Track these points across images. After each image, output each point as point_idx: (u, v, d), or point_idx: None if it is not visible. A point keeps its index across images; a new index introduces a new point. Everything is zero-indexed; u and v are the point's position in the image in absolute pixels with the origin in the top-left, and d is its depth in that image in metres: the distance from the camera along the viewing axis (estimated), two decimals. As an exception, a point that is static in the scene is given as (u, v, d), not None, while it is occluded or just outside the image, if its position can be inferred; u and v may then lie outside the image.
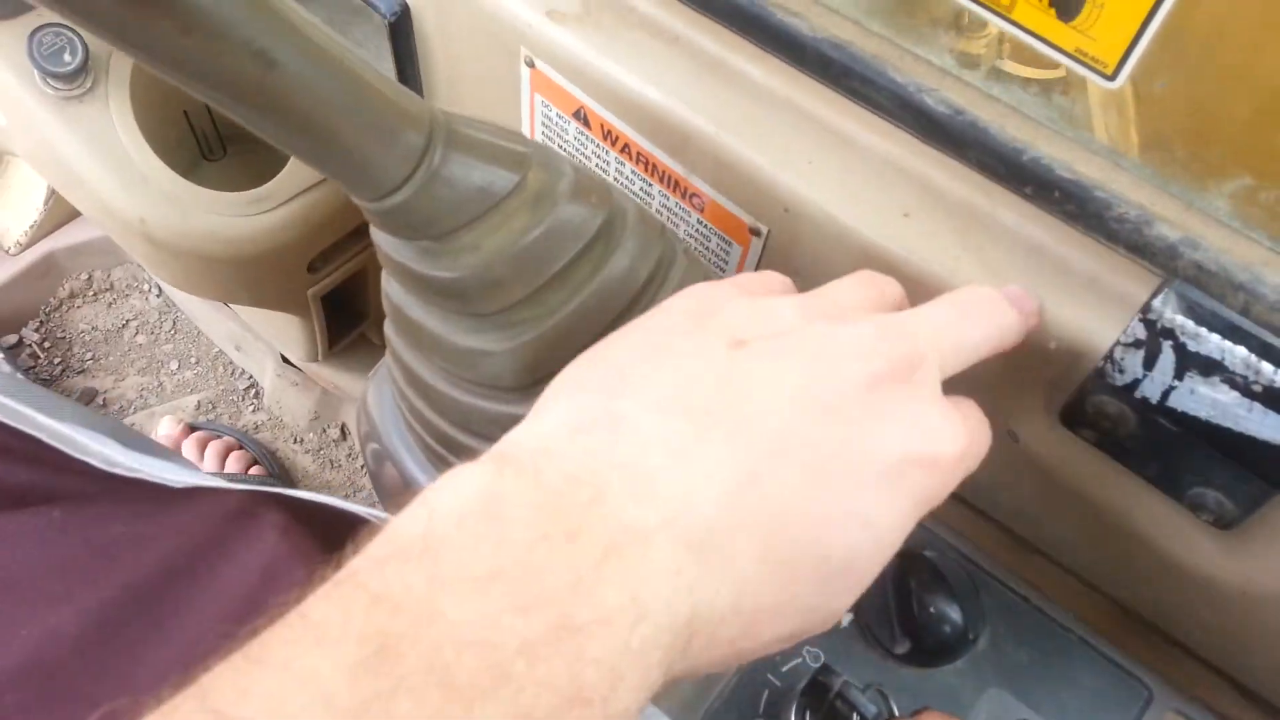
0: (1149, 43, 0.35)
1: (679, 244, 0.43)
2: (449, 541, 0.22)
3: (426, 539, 0.22)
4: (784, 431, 0.27)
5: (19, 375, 1.13)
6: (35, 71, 0.66)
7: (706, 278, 0.43)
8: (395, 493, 0.52)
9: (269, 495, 0.37)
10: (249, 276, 0.75)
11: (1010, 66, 0.42)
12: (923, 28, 0.43)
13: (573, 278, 0.38)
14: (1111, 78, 0.37)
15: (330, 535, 0.35)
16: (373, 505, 1.17)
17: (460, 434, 0.42)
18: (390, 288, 0.41)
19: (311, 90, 0.30)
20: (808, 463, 0.27)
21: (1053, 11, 0.37)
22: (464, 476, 0.25)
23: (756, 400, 0.28)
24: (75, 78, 0.65)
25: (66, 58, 0.64)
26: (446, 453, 0.44)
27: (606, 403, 0.28)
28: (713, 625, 0.25)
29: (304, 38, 0.29)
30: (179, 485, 0.39)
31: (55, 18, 0.66)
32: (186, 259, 0.72)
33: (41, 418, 0.38)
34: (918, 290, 0.44)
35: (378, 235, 0.38)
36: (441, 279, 0.37)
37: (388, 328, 0.43)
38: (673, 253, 0.42)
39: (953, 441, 0.30)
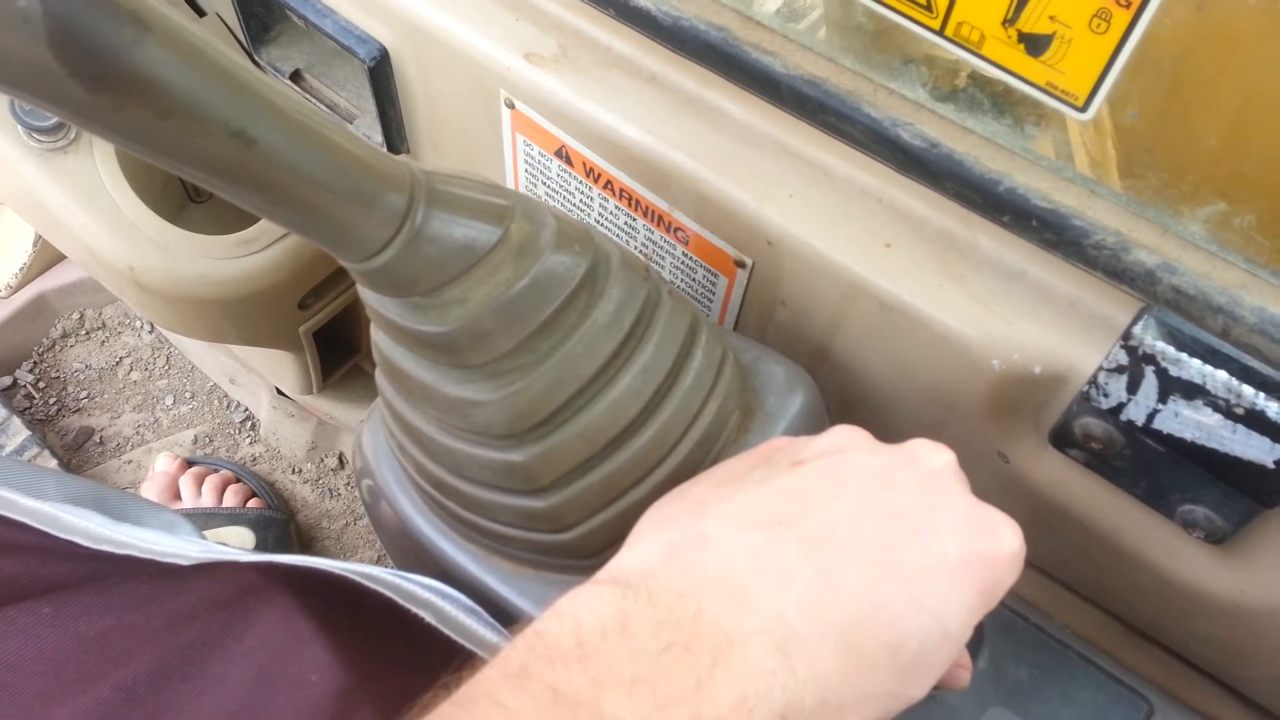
0: (1117, 75, 0.36)
1: (664, 285, 0.43)
2: (599, 651, 0.27)
3: (581, 647, 0.27)
4: (850, 534, 0.31)
5: (22, 429, 1.13)
6: (18, 126, 0.66)
7: (693, 318, 0.44)
8: (390, 530, 0.53)
9: (268, 566, 0.37)
10: (240, 317, 0.75)
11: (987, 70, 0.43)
12: (894, 62, 0.43)
13: (560, 326, 0.38)
14: (1083, 109, 0.37)
15: (334, 604, 0.36)
16: (373, 533, 1.18)
17: (454, 479, 0.42)
18: (380, 339, 0.41)
19: (290, 164, 0.30)
20: (875, 560, 0.30)
21: (1021, 47, 0.37)
22: (594, 597, 0.29)
23: (822, 507, 0.31)
24: (57, 131, 0.66)
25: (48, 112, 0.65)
26: (441, 496, 0.44)
27: (692, 525, 0.32)
28: (805, 716, 0.27)
29: (280, 113, 0.29)
30: (168, 562, 0.38)
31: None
32: (176, 303, 0.72)
33: (21, 499, 0.38)
34: (903, 322, 0.45)
35: (365, 292, 0.38)
36: (430, 333, 0.37)
37: (379, 377, 0.44)
38: (658, 295, 0.42)
39: (1010, 538, 0.33)
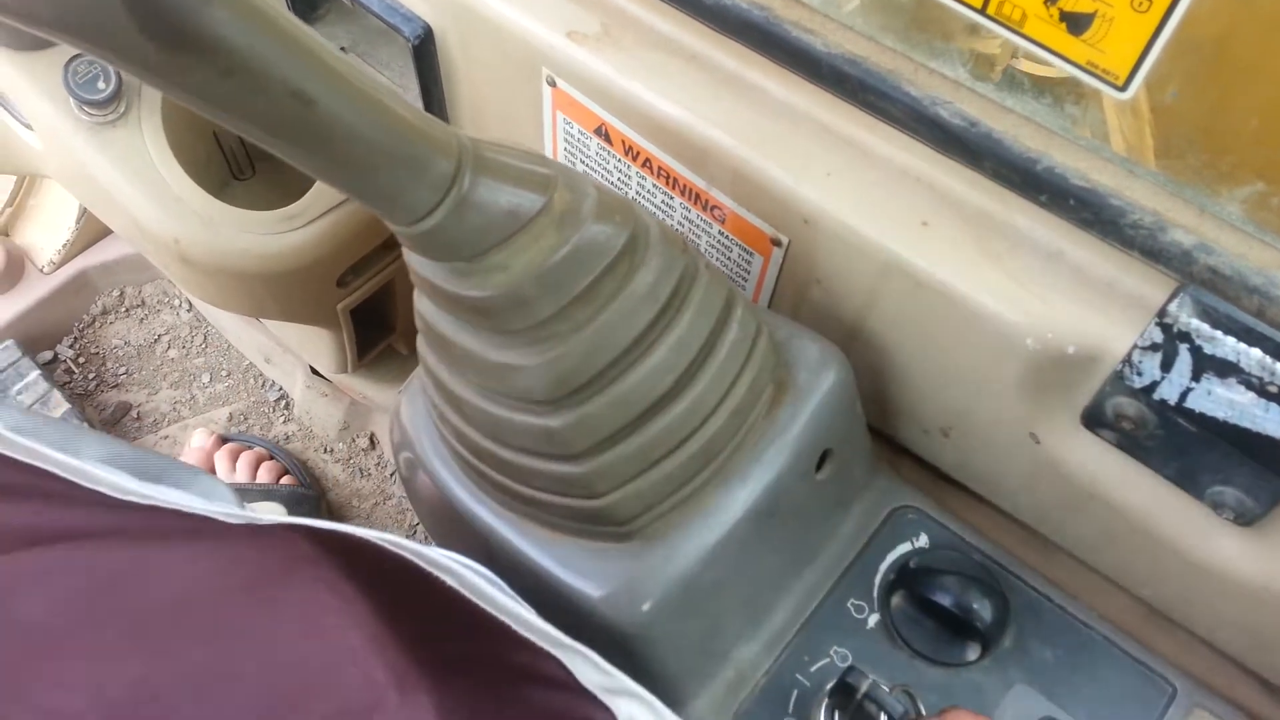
0: (1158, 54, 0.36)
1: (701, 259, 0.44)
2: None
3: None
4: None
5: (62, 402, 1.16)
6: (70, 99, 0.68)
7: (729, 293, 0.44)
8: (428, 500, 0.54)
9: (309, 531, 0.37)
10: (280, 292, 0.76)
11: (1025, 65, 0.43)
12: (935, 40, 0.44)
13: (598, 294, 0.39)
14: (1123, 89, 0.38)
15: (362, 569, 0.36)
16: (403, 512, 1.19)
17: (492, 444, 0.43)
18: (422, 305, 0.42)
19: (346, 125, 0.31)
20: None
21: (1063, 26, 0.37)
22: None
23: None
24: (109, 104, 0.67)
25: (100, 85, 0.66)
26: (479, 462, 0.45)
27: None
28: None
29: (338, 76, 0.30)
30: (196, 512, 0.39)
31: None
32: (219, 277, 0.73)
33: (51, 452, 0.39)
34: (938, 300, 0.45)
35: (410, 256, 0.39)
36: (472, 298, 0.38)
37: (420, 343, 0.45)
38: (695, 268, 0.43)
39: None
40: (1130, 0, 0.35)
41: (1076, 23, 0.37)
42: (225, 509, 0.38)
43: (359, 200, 0.34)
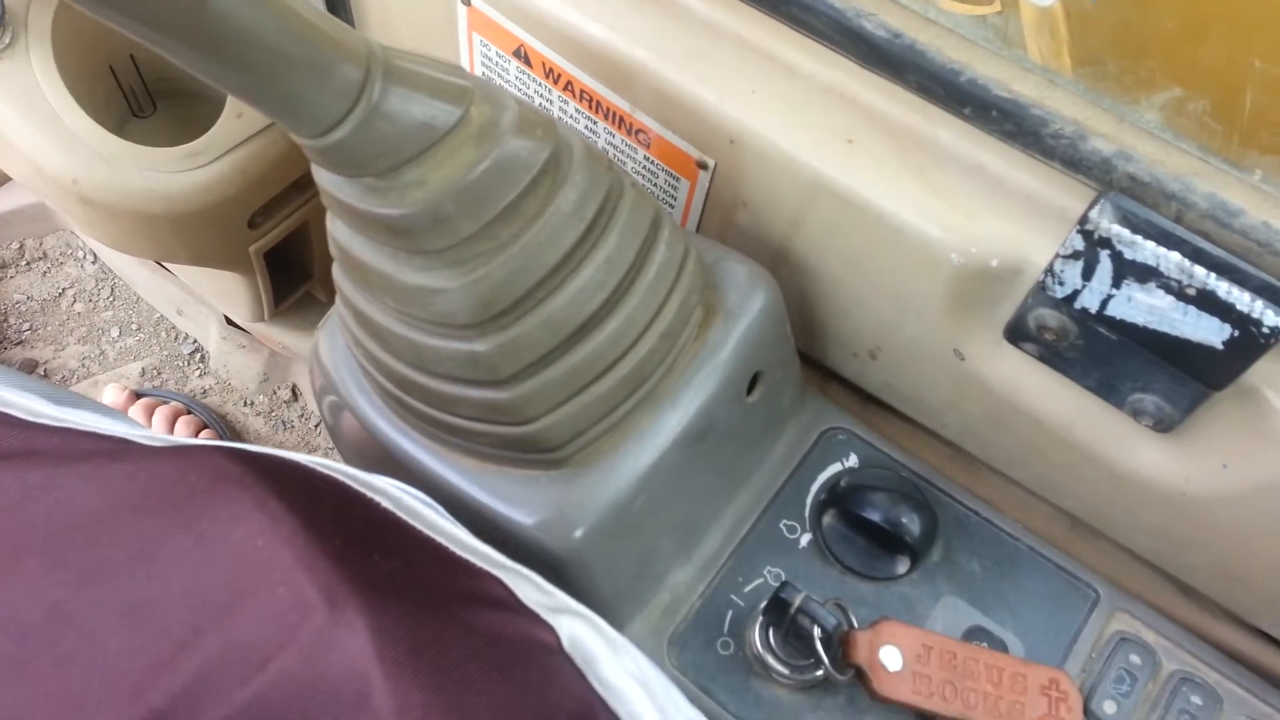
0: (1080, -44, 0.36)
1: (626, 178, 0.43)
2: None
3: None
4: None
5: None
6: (-51, 28, 0.63)
7: (656, 212, 0.43)
8: (353, 440, 0.52)
9: (233, 452, 0.36)
10: (188, 234, 0.73)
11: (945, 4, 0.43)
12: (859, -49, 0.43)
13: (522, 212, 0.38)
14: (1044, -7, 0.37)
15: (292, 489, 0.34)
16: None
17: (416, 374, 0.42)
18: (336, 229, 0.40)
19: (245, 25, 0.29)
20: None
21: (986, -72, 0.37)
22: None
23: None
24: (-7, 33, 0.63)
25: (-19, 12, 0.62)
26: (403, 394, 0.44)
27: None
28: None
29: (234, -30, 0.28)
30: (115, 435, 0.37)
31: (-34, -30, 0.63)
32: (122, 218, 0.70)
33: None
34: (863, 219, 0.45)
35: (320, 174, 0.37)
36: (388, 216, 0.36)
37: (336, 271, 0.43)
38: (620, 186, 0.42)
39: None
40: (1052, -100, 0.35)
41: (999, -75, 0.37)
42: (146, 433, 0.36)
43: (260, 109, 0.33)
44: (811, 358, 0.56)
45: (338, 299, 0.45)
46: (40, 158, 0.67)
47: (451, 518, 0.38)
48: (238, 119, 0.71)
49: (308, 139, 0.34)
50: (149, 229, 0.72)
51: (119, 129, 0.71)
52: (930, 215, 0.43)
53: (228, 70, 0.30)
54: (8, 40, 0.65)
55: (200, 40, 0.29)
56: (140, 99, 0.80)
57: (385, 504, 0.36)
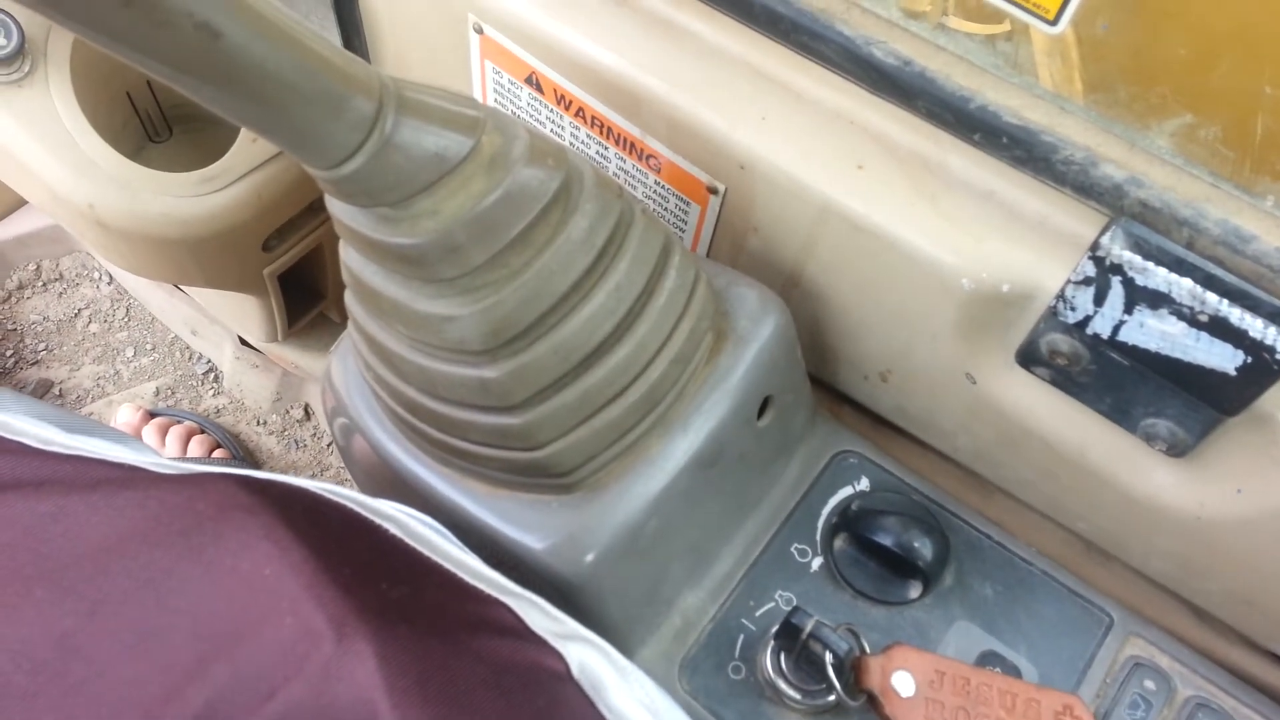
0: (1088, -15, 0.36)
1: (637, 205, 0.43)
2: None
3: None
4: None
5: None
6: (-31, 56, 0.64)
7: (666, 238, 0.44)
8: (364, 463, 0.52)
9: (245, 480, 0.36)
10: (203, 258, 0.74)
11: (955, 23, 0.43)
12: (868, -21, 0.43)
13: (533, 241, 0.38)
14: (1053, 23, 0.38)
15: (301, 517, 0.35)
16: (341, 484, 1.17)
17: (428, 399, 0.42)
18: (349, 257, 0.41)
19: (257, 60, 0.29)
20: None
21: (994, -43, 0.37)
22: None
23: None
24: (12, 61, 0.64)
25: (1, 40, 0.63)
26: (414, 419, 0.44)
27: None
28: None
29: (247, 7, 0.29)
30: (126, 463, 0.37)
31: (-13, -1, 0.64)
32: (138, 243, 0.71)
33: None
34: (874, 244, 0.45)
35: (333, 204, 0.38)
36: (401, 246, 0.36)
37: (348, 298, 0.43)
38: (631, 213, 0.42)
39: None
40: (1060, -70, 0.35)
41: (1007, -46, 0.37)
42: (156, 459, 0.36)
43: (274, 142, 0.33)
44: (823, 381, 0.56)
45: (350, 324, 0.45)
46: (58, 183, 0.68)
47: (460, 543, 0.38)
48: (252, 144, 0.72)
49: (321, 171, 0.34)
50: (165, 253, 0.72)
51: (135, 154, 0.72)
52: (941, 240, 0.43)
53: (241, 104, 0.31)
54: (27, 68, 0.66)
55: (213, 76, 0.29)
56: (156, 124, 0.81)
57: (393, 530, 0.36)
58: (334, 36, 0.61)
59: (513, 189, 0.37)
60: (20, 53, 0.64)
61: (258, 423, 1.18)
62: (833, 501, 0.52)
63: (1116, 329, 0.40)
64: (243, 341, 1.14)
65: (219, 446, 1.11)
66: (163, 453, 1.07)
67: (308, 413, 1.19)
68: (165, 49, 0.28)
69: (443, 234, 0.36)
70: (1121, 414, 0.43)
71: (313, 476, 1.17)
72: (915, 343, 0.48)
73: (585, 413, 0.41)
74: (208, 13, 0.28)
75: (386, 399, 0.45)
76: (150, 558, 0.31)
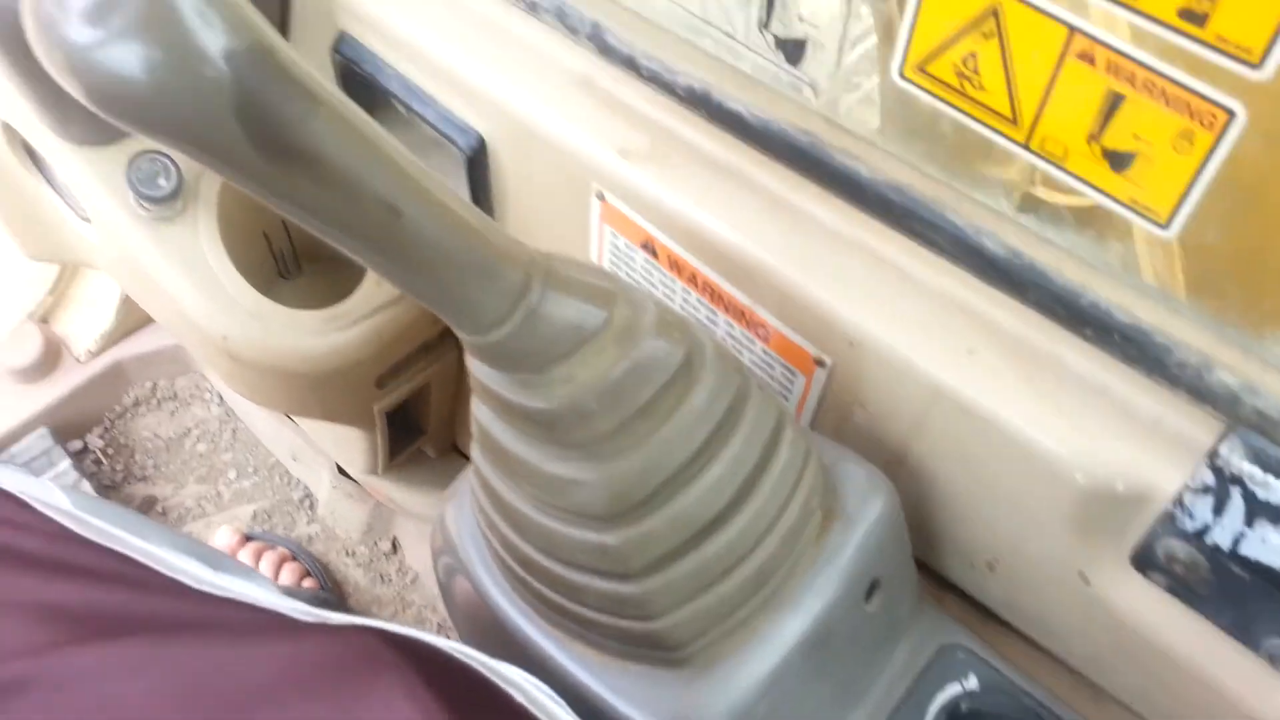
0: (1201, 195, 0.37)
1: (753, 379, 0.45)
2: None
3: None
4: None
5: (90, 491, 1.16)
6: (130, 193, 0.70)
7: (780, 413, 0.45)
8: (466, 607, 0.53)
9: (380, 634, 0.37)
10: (321, 392, 0.77)
11: (1043, 193, 0.44)
12: (975, 169, 0.45)
13: (656, 410, 0.40)
14: (1165, 226, 0.39)
15: (435, 676, 0.36)
16: (421, 621, 1.17)
17: (545, 559, 0.43)
18: (480, 413, 0.43)
19: (429, 236, 0.32)
20: None
21: (1105, 163, 0.39)
22: None
23: None
24: (168, 201, 0.70)
25: (162, 182, 0.69)
26: (528, 575, 0.45)
27: None
28: None
29: (424, 189, 0.32)
30: (268, 608, 0.39)
31: (154, 145, 0.70)
32: (264, 374, 0.75)
33: (129, 537, 0.39)
34: (986, 430, 0.45)
35: (473, 364, 0.40)
36: (535, 409, 0.38)
37: (475, 451, 0.45)
38: (748, 387, 0.43)
39: None
40: (1172, 141, 0.37)
41: (1118, 160, 0.38)
42: (297, 605, 0.38)
43: (432, 307, 0.36)
44: (926, 564, 0.55)
45: (472, 476, 0.47)
46: (196, 314, 0.73)
47: (577, 717, 0.39)
48: (377, 287, 0.77)
49: (470, 335, 0.36)
50: (287, 385, 0.76)
51: (267, 289, 0.77)
52: (1054, 433, 0.44)
53: (410, 274, 0.33)
54: (180, 207, 0.72)
55: (391, 248, 0.32)
56: (288, 262, 0.87)
57: (519, 698, 0.37)
58: (464, 194, 0.66)
59: (641, 360, 0.39)
60: (176, 193, 0.70)
61: (346, 553, 1.20)
62: (940, 698, 0.51)
63: (1237, 542, 0.39)
64: (340, 471, 1.17)
65: (309, 575, 1.13)
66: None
67: (395, 546, 1.21)
68: (352, 224, 0.31)
69: (575, 400, 0.38)
70: (1243, 631, 0.42)
71: (395, 613, 1.17)
72: (1025, 533, 0.47)
73: (700, 585, 0.42)
74: (392, 194, 0.31)
75: (502, 552, 0.46)
76: (305, 710, 0.33)
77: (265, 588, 0.41)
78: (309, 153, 0.28)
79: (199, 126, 0.26)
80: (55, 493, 0.45)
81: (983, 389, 0.45)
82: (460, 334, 0.37)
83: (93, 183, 0.70)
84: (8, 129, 0.76)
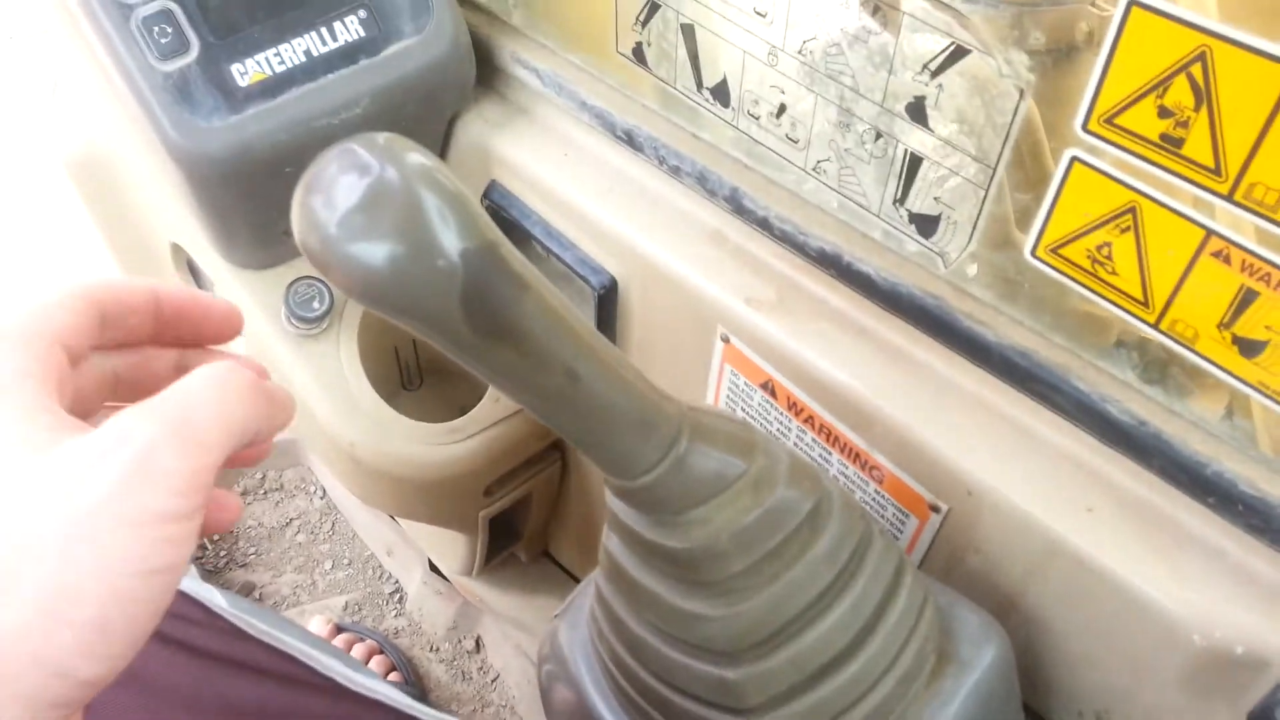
0: (1331, 382, 0.39)
1: (875, 526, 0.47)
2: None
3: None
4: None
5: (196, 575, 1.21)
6: (283, 311, 0.76)
7: (900, 559, 0.47)
8: (565, 712, 0.55)
9: None
10: (433, 498, 0.81)
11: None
12: (1104, 344, 0.47)
13: (784, 554, 0.42)
14: (1295, 409, 0.40)
15: None
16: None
17: (662, 687, 0.45)
18: (612, 544, 0.45)
19: (600, 397, 0.35)
20: None
21: (1235, 349, 0.41)
22: None
23: None
24: (318, 321, 0.75)
25: (315, 305, 0.74)
26: (644, 702, 0.47)
27: None
28: None
29: (599, 355, 0.35)
30: (404, 711, 0.42)
31: (311, 271, 0.76)
32: (382, 480, 0.79)
33: (285, 635, 0.43)
34: (1102, 586, 0.46)
35: (613, 503, 0.43)
36: (670, 548, 0.41)
37: (600, 578, 0.48)
38: (870, 534, 0.45)
39: None
40: (1304, 334, 0.38)
41: (1249, 348, 0.40)
42: (410, 702, 0.40)
43: (589, 455, 0.39)
44: (1033, 709, 0.56)
45: (593, 601, 0.49)
46: (328, 421, 0.78)
47: None
48: (495, 403, 0.81)
49: (619, 481, 0.39)
50: (402, 491, 0.80)
51: (390, 399, 0.81)
52: (1172, 594, 0.44)
53: (576, 426, 0.37)
54: (326, 325, 0.77)
55: (566, 407, 0.35)
56: (411, 374, 0.92)
57: None
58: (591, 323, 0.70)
59: (773, 507, 0.41)
60: (327, 315, 0.75)
61: (431, 649, 1.23)
62: (1043, 843, 0.51)
63: (1366, 715, 0.40)
64: (432, 568, 1.20)
65: (395, 669, 1.16)
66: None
67: (478, 645, 1.23)
68: (536, 387, 0.34)
69: (709, 542, 0.41)
70: (1369, 801, 0.42)
71: (474, 711, 1.19)
72: (1138, 689, 0.48)
73: (815, 723, 0.43)
74: (574, 361, 0.34)
75: (618, 676, 0.48)
76: None
77: (396, 690, 0.44)
78: (517, 333, 0.32)
79: (428, 309, 0.30)
80: (211, 590, 0.49)
81: (1101, 545, 0.46)
82: (609, 477, 0.40)
83: (249, 301, 0.76)
84: (176, 249, 0.83)
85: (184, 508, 0.27)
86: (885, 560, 0.45)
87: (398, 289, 0.29)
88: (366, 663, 1.14)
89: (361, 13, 0.64)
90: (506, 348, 0.32)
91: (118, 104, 0.63)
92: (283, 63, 0.61)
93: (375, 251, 0.28)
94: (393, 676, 1.15)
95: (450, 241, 0.29)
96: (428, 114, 0.70)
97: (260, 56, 0.60)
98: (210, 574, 1.27)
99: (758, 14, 0.51)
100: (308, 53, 0.61)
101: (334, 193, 0.29)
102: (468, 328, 0.31)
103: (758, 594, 0.42)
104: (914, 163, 0.48)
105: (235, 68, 0.60)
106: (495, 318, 0.31)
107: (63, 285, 0.32)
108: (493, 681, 1.21)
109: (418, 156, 0.30)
